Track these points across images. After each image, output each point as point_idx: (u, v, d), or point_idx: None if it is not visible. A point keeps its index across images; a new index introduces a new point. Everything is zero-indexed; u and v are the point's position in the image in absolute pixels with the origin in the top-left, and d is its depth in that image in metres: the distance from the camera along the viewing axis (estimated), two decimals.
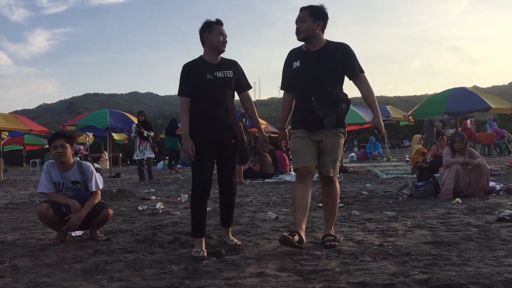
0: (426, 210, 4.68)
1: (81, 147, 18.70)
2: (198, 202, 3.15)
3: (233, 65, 3.30)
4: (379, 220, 4.19)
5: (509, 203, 4.97)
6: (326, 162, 3.16)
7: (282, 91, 3.42)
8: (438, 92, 11.69)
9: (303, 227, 3.10)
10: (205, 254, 2.94)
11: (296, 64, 3.23)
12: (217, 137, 3.17)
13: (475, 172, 5.58)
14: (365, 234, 3.57)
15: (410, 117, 10.83)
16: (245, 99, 3.40)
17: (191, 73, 3.18)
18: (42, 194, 3.75)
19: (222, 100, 3.19)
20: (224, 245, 3.28)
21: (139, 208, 5.54)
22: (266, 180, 9.38)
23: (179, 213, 5.14)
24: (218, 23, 3.22)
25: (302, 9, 3.21)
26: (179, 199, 6.39)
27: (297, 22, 3.20)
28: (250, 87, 3.41)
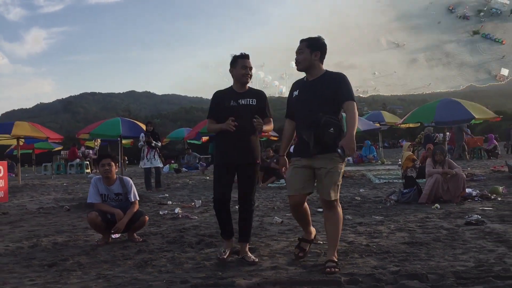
0: (408, 215, 5.49)
1: (90, 151, 19.53)
2: (218, 210, 3.82)
3: (259, 95, 3.72)
4: (368, 224, 4.99)
5: (481, 208, 5.78)
6: (323, 186, 3.27)
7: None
8: (435, 91, 12.56)
9: (310, 229, 3.67)
10: (225, 257, 3.57)
11: (295, 93, 3.44)
12: (235, 158, 3.59)
13: (453, 180, 6.41)
14: (355, 236, 4.37)
15: (401, 125, 11.76)
16: (266, 123, 3.69)
17: (218, 100, 3.71)
18: (90, 204, 4.52)
19: (244, 125, 3.54)
20: (242, 261, 3.53)
21: (160, 212, 6.31)
22: (268, 185, 10.19)
23: (196, 217, 5.92)
24: (243, 57, 3.64)
25: (301, 41, 3.38)
26: (193, 204, 7.16)
27: (296, 53, 3.39)
28: (271, 116, 3.86)
